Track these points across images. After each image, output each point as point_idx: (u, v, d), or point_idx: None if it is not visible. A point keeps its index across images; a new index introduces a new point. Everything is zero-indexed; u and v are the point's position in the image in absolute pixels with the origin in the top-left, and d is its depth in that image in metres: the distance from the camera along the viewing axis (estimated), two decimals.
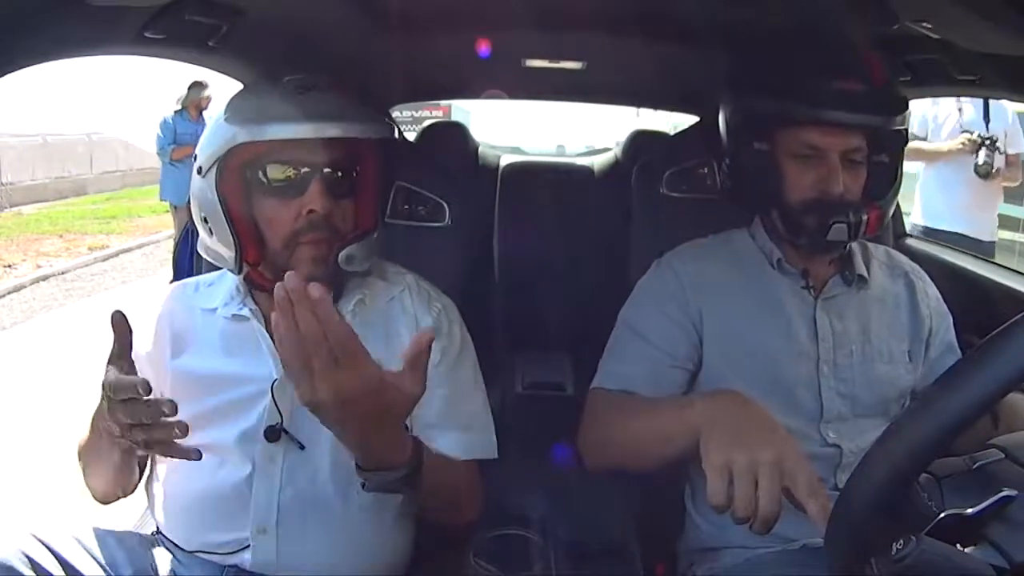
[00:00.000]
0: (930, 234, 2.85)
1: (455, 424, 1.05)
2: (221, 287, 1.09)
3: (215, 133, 0.97)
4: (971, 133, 2.88)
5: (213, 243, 1.01)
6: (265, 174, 0.96)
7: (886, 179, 1.08)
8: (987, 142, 2.84)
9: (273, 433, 0.98)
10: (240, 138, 0.94)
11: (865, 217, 1.02)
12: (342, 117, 0.95)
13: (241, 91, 1.07)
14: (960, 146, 2.89)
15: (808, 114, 1.01)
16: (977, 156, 2.85)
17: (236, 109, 0.98)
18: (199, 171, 0.98)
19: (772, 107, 1.04)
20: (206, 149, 0.98)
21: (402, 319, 1.07)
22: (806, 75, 1.01)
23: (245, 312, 1.03)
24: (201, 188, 0.99)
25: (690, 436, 0.84)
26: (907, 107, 1.04)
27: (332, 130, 0.94)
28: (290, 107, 0.94)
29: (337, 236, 0.99)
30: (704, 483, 0.78)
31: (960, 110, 2.96)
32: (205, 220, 0.99)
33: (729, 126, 1.14)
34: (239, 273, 1.01)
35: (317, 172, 0.96)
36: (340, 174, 0.99)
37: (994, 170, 2.85)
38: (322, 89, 0.98)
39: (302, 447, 0.99)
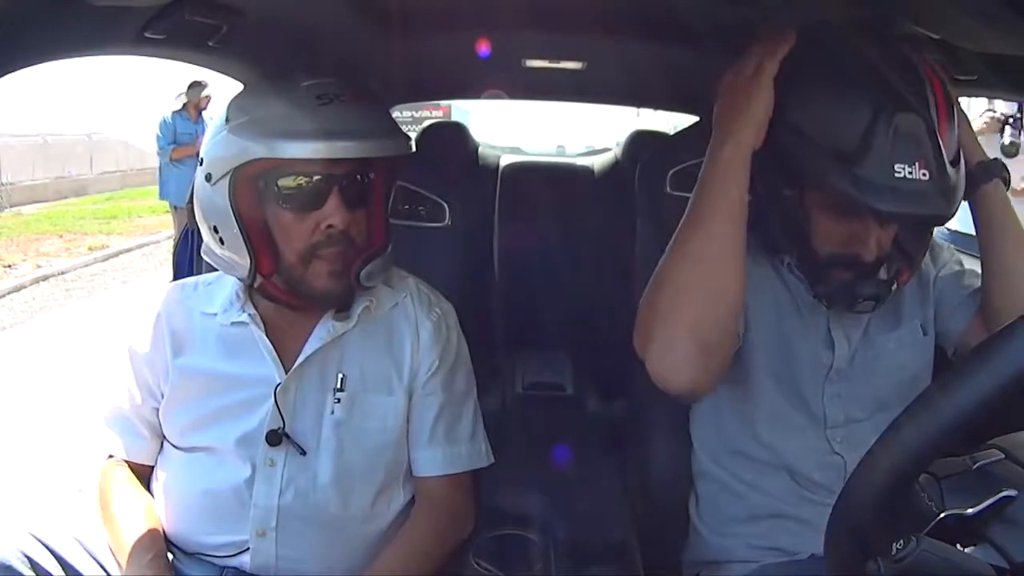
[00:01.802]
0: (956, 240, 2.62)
1: (446, 438, 1.06)
2: (220, 289, 1.07)
3: (225, 141, 0.93)
4: (994, 112, 2.67)
5: (223, 251, 0.97)
6: (278, 184, 0.93)
7: (920, 233, 0.97)
8: (1011, 120, 2.61)
9: (275, 437, 0.98)
10: (256, 153, 0.90)
11: (895, 286, 0.95)
12: (364, 134, 0.92)
13: (248, 92, 1.02)
14: (983, 125, 2.68)
15: (852, 204, 0.84)
16: (1002, 136, 2.64)
17: (247, 115, 0.93)
18: (207, 179, 0.94)
19: (802, 164, 0.88)
20: (216, 157, 0.93)
21: (404, 324, 1.06)
22: (850, 147, 0.81)
23: (244, 318, 1.01)
24: (210, 197, 0.94)
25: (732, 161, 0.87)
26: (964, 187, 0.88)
27: (354, 149, 0.91)
28: (309, 121, 0.90)
29: (354, 249, 0.97)
30: (707, 492, 0.76)
31: None
32: (215, 229, 0.96)
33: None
34: (253, 284, 0.98)
35: (335, 183, 0.94)
36: (356, 181, 0.96)
37: (1021, 150, 2.61)
38: (343, 101, 0.93)
39: (303, 452, 0.98)
